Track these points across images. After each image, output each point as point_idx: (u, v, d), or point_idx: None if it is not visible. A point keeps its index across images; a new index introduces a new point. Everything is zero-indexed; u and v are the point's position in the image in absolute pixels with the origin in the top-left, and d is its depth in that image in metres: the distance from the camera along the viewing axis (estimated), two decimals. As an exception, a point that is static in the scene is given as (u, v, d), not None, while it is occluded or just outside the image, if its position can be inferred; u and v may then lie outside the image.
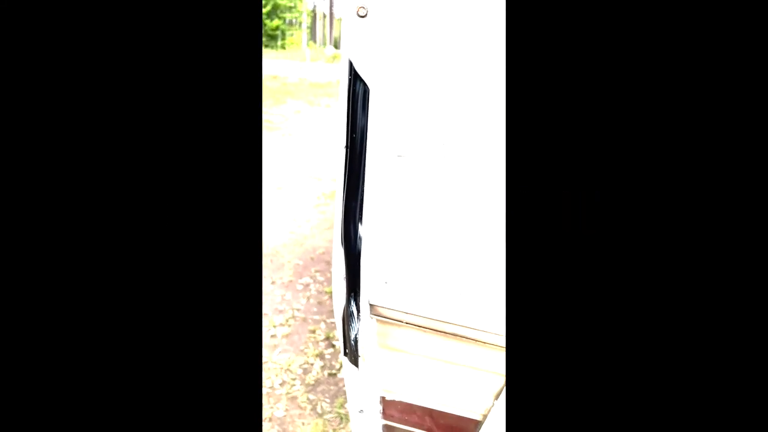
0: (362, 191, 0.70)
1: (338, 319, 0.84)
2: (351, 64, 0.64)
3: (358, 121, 0.66)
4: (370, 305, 0.80)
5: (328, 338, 2.41)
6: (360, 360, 0.83)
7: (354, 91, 0.65)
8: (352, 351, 0.82)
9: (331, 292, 2.83)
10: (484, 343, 0.79)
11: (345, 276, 0.77)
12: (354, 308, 0.78)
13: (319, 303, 2.73)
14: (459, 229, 0.71)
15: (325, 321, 2.56)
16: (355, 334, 0.80)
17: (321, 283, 2.94)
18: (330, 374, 2.16)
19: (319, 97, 11.10)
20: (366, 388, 0.89)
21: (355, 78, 0.64)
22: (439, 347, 0.82)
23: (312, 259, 3.24)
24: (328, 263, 3.19)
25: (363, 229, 0.73)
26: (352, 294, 0.77)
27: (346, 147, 0.69)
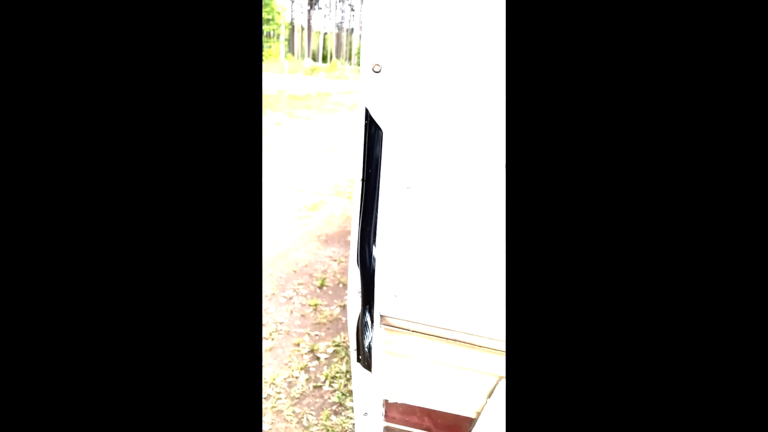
0: (376, 217, 0.83)
1: (352, 330, 0.94)
2: (367, 111, 0.77)
3: (373, 158, 0.80)
4: (381, 316, 0.91)
5: (312, 351, 2.42)
6: (373, 365, 0.93)
7: (370, 133, 0.78)
8: (365, 357, 0.92)
9: (314, 305, 2.84)
10: (480, 346, 0.90)
11: (360, 291, 0.89)
12: (368, 319, 0.90)
13: (303, 316, 2.73)
14: (458, 248, 0.84)
15: (309, 334, 2.56)
16: (369, 342, 0.91)
17: (304, 296, 2.95)
18: (315, 387, 2.17)
19: (299, 109, 11.11)
20: (372, 391, 0.98)
21: (370, 122, 0.77)
22: (438, 351, 0.93)
23: (294, 272, 3.24)
24: (311, 276, 3.20)
25: (376, 251, 0.86)
26: (367, 306, 0.89)
27: (363, 180, 0.82)
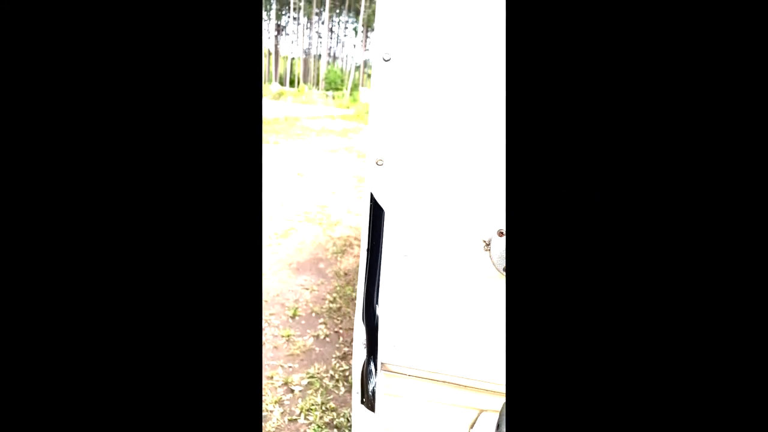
0: (378, 281, 0.99)
1: (356, 375, 1.09)
2: (372, 195, 0.95)
3: (376, 232, 0.96)
4: (381, 363, 1.05)
5: (286, 384, 2.39)
6: (376, 406, 1.08)
7: (374, 213, 0.96)
8: (369, 400, 1.06)
9: (287, 336, 2.81)
10: (463, 386, 1.05)
11: (365, 343, 1.04)
12: (372, 366, 1.04)
13: (275, 347, 2.70)
14: (445, 305, 1.01)
15: (282, 366, 2.53)
16: (373, 387, 1.05)
17: (276, 326, 2.92)
18: (290, 420, 2.14)
19: (267, 133, 11.07)
20: (372, 430, 1.11)
21: (374, 204, 0.96)
22: (427, 391, 1.06)
23: (266, 301, 3.21)
24: (283, 305, 3.17)
25: (379, 309, 1.02)
26: (372, 356, 1.03)
27: (368, 250, 0.99)
